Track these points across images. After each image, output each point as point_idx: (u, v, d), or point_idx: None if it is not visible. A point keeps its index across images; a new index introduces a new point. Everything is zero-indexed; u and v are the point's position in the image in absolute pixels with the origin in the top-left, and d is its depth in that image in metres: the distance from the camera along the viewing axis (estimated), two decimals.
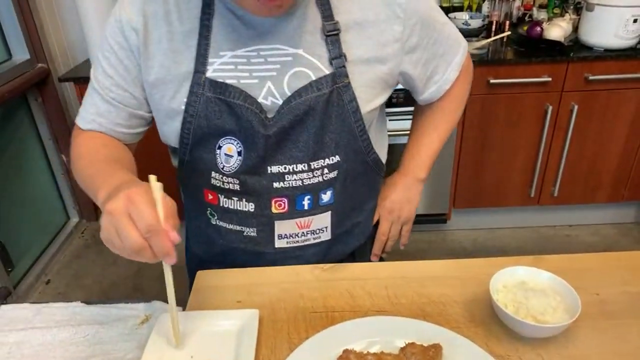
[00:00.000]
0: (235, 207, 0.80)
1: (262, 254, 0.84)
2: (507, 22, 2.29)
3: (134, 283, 2.21)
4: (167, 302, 0.77)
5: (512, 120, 2.09)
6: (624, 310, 0.72)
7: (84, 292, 2.16)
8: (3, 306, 0.81)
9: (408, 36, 0.77)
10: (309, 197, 0.79)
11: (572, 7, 2.31)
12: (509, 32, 2.21)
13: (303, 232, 0.83)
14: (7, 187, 2.16)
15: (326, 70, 0.74)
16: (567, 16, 2.20)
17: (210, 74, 0.73)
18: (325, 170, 0.78)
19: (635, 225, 2.45)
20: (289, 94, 0.73)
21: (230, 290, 0.79)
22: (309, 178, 0.78)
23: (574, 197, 2.30)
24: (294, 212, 0.80)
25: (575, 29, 2.13)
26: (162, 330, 0.69)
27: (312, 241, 0.84)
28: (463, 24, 2.22)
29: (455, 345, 0.64)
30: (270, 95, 0.73)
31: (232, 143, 0.76)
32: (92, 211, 2.63)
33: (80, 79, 1.98)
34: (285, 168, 0.77)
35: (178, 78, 0.74)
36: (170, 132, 0.78)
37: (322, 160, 0.77)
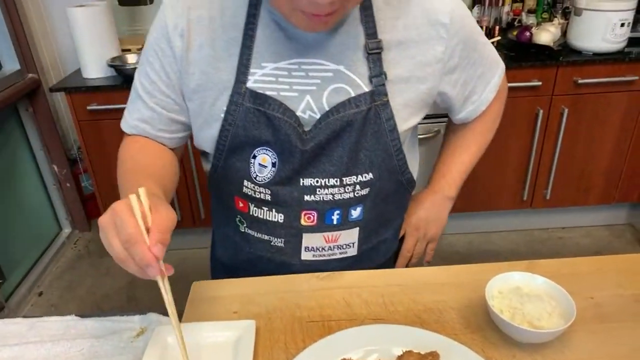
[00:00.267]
0: (265, 217, 0.81)
1: (287, 264, 0.84)
2: (497, 27, 2.31)
3: (127, 294, 2.19)
4: (163, 314, 0.77)
5: (504, 124, 2.08)
6: (619, 313, 0.73)
7: (78, 304, 2.14)
8: None
9: (449, 57, 0.77)
10: (338, 212, 0.80)
11: (560, 11, 2.34)
12: (499, 37, 2.23)
13: (330, 246, 0.83)
14: None
15: (366, 87, 0.74)
16: (555, 21, 2.22)
17: (251, 84, 0.73)
18: (357, 187, 0.78)
19: (627, 227, 2.47)
20: (327, 108, 0.73)
21: (227, 300, 0.78)
22: (340, 193, 0.78)
23: (566, 200, 2.32)
24: (323, 226, 0.80)
25: (564, 33, 2.16)
26: (158, 343, 0.68)
27: (338, 256, 0.84)
28: None
29: (452, 352, 0.65)
30: (309, 109, 0.74)
31: (267, 154, 0.76)
32: (84, 222, 2.61)
33: (71, 89, 1.97)
34: (317, 181, 0.77)
35: (218, 86, 0.74)
36: (206, 138, 0.79)
37: (355, 177, 0.77)
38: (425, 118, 0.84)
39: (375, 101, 0.74)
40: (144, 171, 0.76)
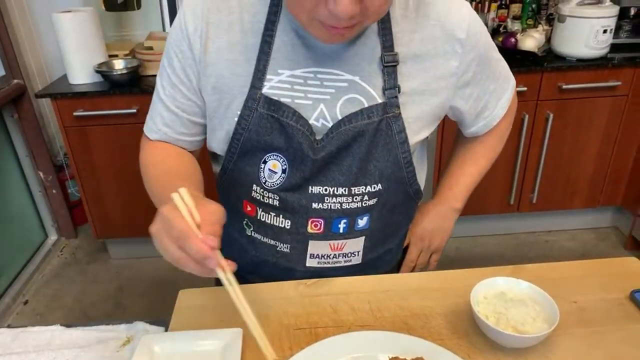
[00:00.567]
0: (272, 222, 0.81)
1: (292, 270, 0.84)
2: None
3: (115, 301, 2.17)
4: (150, 323, 0.76)
5: None
6: (602, 317, 0.74)
7: (64, 313, 2.11)
8: None
9: (464, 71, 0.77)
10: (345, 220, 0.80)
11: (544, 18, 2.37)
12: None
13: (335, 254, 0.83)
14: None
15: (379, 99, 0.74)
16: (540, 27, 2.25)
17: (266, 90, 0.73)
18: (365, 197, 0.79)
19: (612, 230, 2.50)
20: (340, 118, 0.74)
21: (214, 309, 0.78)
22: (348, 202, 0.78)
23: (552, 204, 2.35)
24: (329, 234, 0.81)
25: (548, 39, 2.19)
26: (144, 353, 0.68)
27: (343, 264, 0.85)
28: None
29: (438, 358, 0.65)
30: (322, 117, 0.74)
31: (277, 160, 0.76)
32: (71, 228, 2.58)
33: (58, 95, 1.95)
34: (326, 190, 0.77)
35: (234, 90, 0.74)
36: (218, 140, 0.80)
37: (364, 187, 0.78)
38: None
39: (388, 113, 0.74)
40: (176, 174, 0.77)
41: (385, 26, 0.72)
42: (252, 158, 0.77)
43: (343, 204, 0.78)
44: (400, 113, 0.75)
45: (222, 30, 0.73)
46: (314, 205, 0.78)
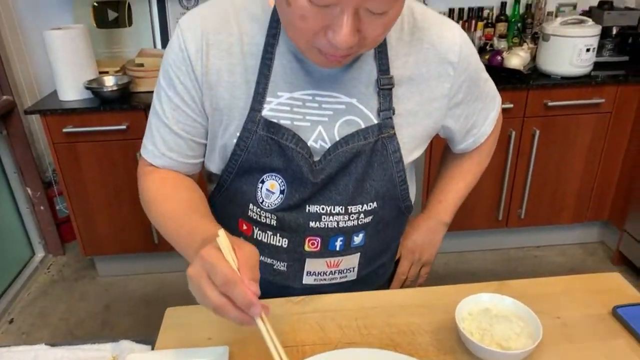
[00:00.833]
0: (269, 241, 0.81)
1: (288, 288, 0.85)
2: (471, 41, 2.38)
3: (102, 319, 2.14)
4: (136, 342, 0.76)
5: None
6: (585, 333, 0.75)
7: (50, 331, 2.08)
8: None
9: (455, 93, 0.80)
10: (341, 238, 0.81)
11: (530, 37, 2.42)
12: None
13: (331, 271, 0.84)
14: None
15: (375, 120, 0.75)
16: (525, 46, 2.30)
17: (266, 112, 0.73)
18: (362, 215, 0.80)
19: (600, 245, 2.53)
20: (337, 139, 0.75)
21: (201, 326, 0.78)
22: (345, 221, 0.79)
23: (540, 219, 2.37)
24: (326, 251, 0.81)
25: (534, 57, 2.23)
26: None
27: (339, 280, 0.86)
28: None
29: None
30: (320, 139, 0.75)
31: (275, 180, 0.77)
32: (58, 245, 2.56)
33: (47, 111, 1.95)
34: (323, 209, 0.78)
35: (233, 111, 0.74)
36: (215, 160, 0.79)
37: (360, 206, 0.79)
38: None
39: (383, 133, 0.76)
40: (189, 208, 0.74)
41: (381, 50, 0.74)
42: (250, 178, 0.78)
43: (340, 222, 0.79)
44: (395, 133, 0.76)
45: (222, 52, 0.73)
46: (311, 224, 0.79)
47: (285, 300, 0.83)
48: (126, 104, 1.98)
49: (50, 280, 2.41)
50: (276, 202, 0.77)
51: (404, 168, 0.79)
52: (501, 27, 2.44)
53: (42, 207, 2.46)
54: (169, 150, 0.78)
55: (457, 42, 0.77)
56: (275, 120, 0.74)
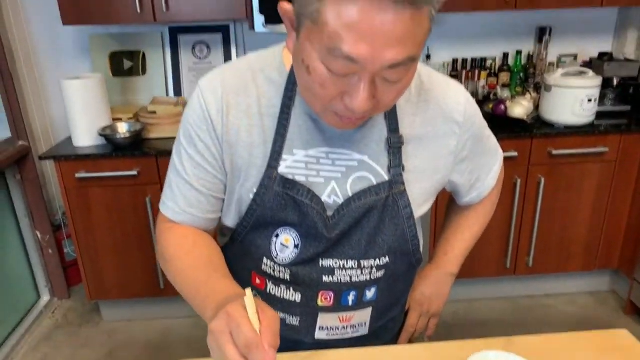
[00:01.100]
0: (282, 296, 0.82)
1: (300, 342, 0.85)
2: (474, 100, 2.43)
3: None
4: None
5: None
6: None
7: None
8: None
9: (460, 150, 0.83)
10: (354, 293, 0.82)
11: (532, 86, 2.48)
12: None
13: (344, 326, 0.85)
14: None
15: (386, 176, 0.78)
16: (528, 95, 2.35)
17: (282, 169, 0.76)
18: (374, 270, 0.81)
19: (611, 294, 2.48)
20: (350, 194, 0.77)
21: None
22: (357, 275, 0.81)
23: (549, 267, 2.34)
24: (339, 306, 0.82)
25: (537, 106, 2.28)
26: None
27: (350, 335, 0.86)
28: None
29: None
30: (334, 194, 0.78)
31: (290, 235, 0.79)
32: (64, 289, 2.55)
33: (61, 157, 2.00)
34: (336, 263, 0.79)
35: (251, 169, 0.77)
36: (231, 215, 0.81)
37: (373, 260, 0.80)
38: None
39: (394, 189, 0.78)
40: (212, 267, 0.75)
41: (391, 110, 0.77)
42: (264, 232, 0.80)
43: (352, 277, 0.80)
44: (405, 189, 0.79)
45: (241, 113, 0.76)
46: (325, 278, 0.80)
47: (293, 355, 0.83)
48: (138, 150, 2.03)
49: (54, 325, 2.39)
50: (290, 256, 0.79)
51: (414, 223, 0.81)
52: (504, 76, 2.50)
53: (50, 251, 2.47)
54: (190, 206, 0.80)
55: (461, 102, 0.81)
56: (291, 177, 0.76)
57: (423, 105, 0.79)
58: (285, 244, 0.79)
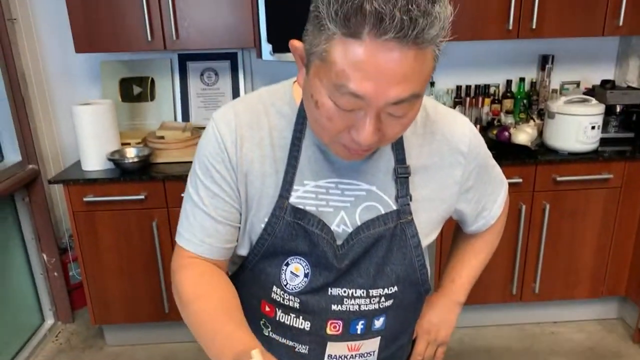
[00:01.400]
0: (291, 324, 0.83)
1: None
2: (478, 127, 2.45)
3: None
4: None
5: None
6: None
7: None
8: None
9: (466, 180, 0.85)
10: (363, 322, 0.83)
11: (536, 113, 2.50)
12: None
13: (352, 355, 0.85)
14: None
15: (394, 206, 0.80)
16: (531, 122, 2.37)
17: (293, 200, 0.78)
18: (382, 299, 0.82)
19: (619, 321, 2.45)
20: (359, 223, 0.79)
21: None
22: (366, 304, 0.81)
23: (555, 293, 2.32)
24: (347, 335, 0.83)
25: (540, 133, 2.29)
26: None
27: None
28: None
29: None
30: (343, 223, 0.79)
31: (300, 263, 0.80)
32: (68, 312, 2.55)
33: (70, 181, 2.03)
34: (345, 292, 0.80)
35: (263, 199, 0.79)
36: (243, 244, 0.83)
37: (381, 289, 0.81)
38: None
39: (401, 219, 0.80)
40: (228, 314, 0.74)
41: (397, 141, 0.79)
42: (275, 260, 0.81)
43: (361, 306, 0.81)
44: (412, 219, 0.80)
45: (254, 145, 0.78)
46: (333, 307, 0.80)
47: None
48: (145, 175, 2.05)
49: (57, 349, 2.38)
50: (300, 285, 0.80)
51: (422, 252, 0.83)
52: (507, 103, 2.53)
53: (55, 274, 2.48)
54: (208, 236, 0.80)
55: (466, 133, 0.83)
56: (301, 207, 0.78)
57: (429, 137, 0.82)
58: (296, 273, 0.80)
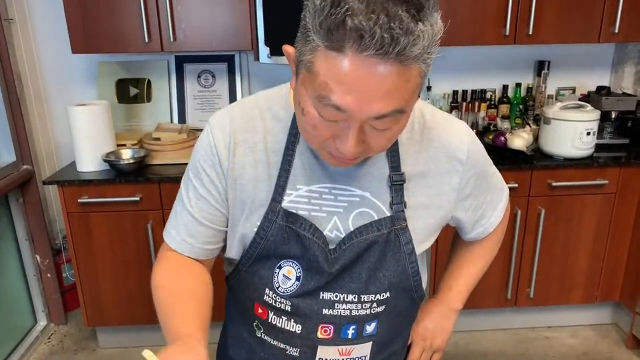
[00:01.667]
0: (283, 326, 0.82)
1: None
2: (474, 132, 2.45)
3: None
4: None
5: None
6: None
7: None
8: None
9: (464, 187, 0.84)
10: (354, 327, 0.82)
11: (532, 118, 2.51)
12: None
13: (344, 359, 0.84)
14: None
15: (388, 213, 0.79)
16: (528, 128, 2.38)
17: (285, 204, 0.78)
18: (375, 305, 0.82)
19: (613, 327, 2.46)
20: (352, 229, 0.78)
21: None
22: (358, 310, 0.81)
23: (550, 299, 2.33)
24: (338, 340, 0.82)
25: (537, 138, 2.30)
26: None
27: None
28: None
29: None
30: (336, 229, 0.79)
31: (292, 267, 0.80)
32: (61, 314, 2.53)
33: (65, 182, 2.02)
34: (337, 297, 0.80)
35: (256, 203, 0.79)
36: (236, 247, 0.83)
37: (373, 295, 0.81)
38: None
39: (395, 226, 0.79)
40: (190, 296, 0.77)
41: (393, 148, 0.79)
42: (268, 263, 0.81)
43: (353, 311, 0.81)
44: (407, 226, 0.80)
45: (248, 149, 0.78)
46: (325, 311, 0.80)
47: None
48: (141, 177, 2.05)
49: (50, 351, 2.36)
50: (292, 288, 0.80)
51: (416, 260, 0.82)
52: (504, 108, 2.54)
53: (49, 275, 2.46)
54: (190, 236, 0.82)
55: (464, 141, 0.82)
56: (294, 211, 0.78)
57: (426, 144, 0.81)
58: (288, 276, 0.80)
